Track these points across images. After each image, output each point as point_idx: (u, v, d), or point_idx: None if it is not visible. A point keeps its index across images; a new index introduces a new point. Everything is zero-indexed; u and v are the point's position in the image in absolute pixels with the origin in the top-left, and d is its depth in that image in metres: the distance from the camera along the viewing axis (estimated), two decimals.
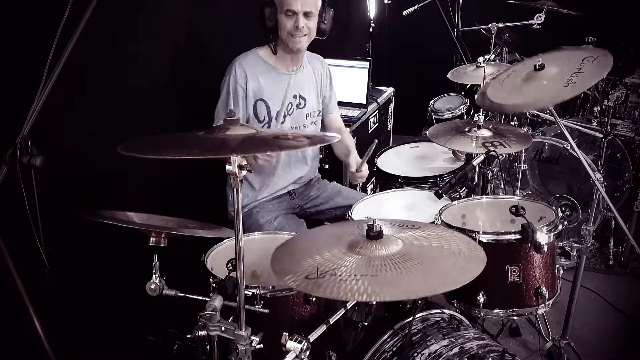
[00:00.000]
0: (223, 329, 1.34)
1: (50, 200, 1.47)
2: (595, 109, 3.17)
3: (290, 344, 1.30)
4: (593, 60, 1.90)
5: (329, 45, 2.42)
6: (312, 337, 1.38)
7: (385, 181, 2.54)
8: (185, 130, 1.45)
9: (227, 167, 1.20)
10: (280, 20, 2.15)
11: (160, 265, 1.46)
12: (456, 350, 1.58)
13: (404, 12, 3.71)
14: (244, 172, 1.21)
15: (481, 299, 1.76)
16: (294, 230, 2.17)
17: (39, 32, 1.56)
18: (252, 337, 1.33)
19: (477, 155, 2.14)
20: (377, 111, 3.36)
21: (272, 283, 1.57)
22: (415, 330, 1.67)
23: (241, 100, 2.19)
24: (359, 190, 2.62)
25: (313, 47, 2.39)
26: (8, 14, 1.60)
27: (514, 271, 1.76)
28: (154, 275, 1.45)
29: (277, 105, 2.26)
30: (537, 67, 1.98)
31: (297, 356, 1.30)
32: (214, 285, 1.60)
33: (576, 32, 3.19)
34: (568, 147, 2.64)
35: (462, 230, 1.80)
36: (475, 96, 2.17)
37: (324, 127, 2.55)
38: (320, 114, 2.46)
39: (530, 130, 3.19)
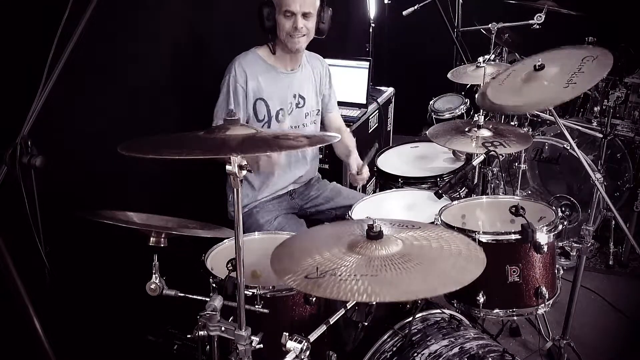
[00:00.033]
0: (223, 329, 1.34)
1: (50, 200, 1.47)
2: (595, 109, 3.17)
3: (290, 344, 1.30)
4: (593, 59, 1.90)
5: (329, 45, 2.43)
6: (312, 337, 1.38)
7: (385, 181, 2.54)
8: (185, 130, 1.45)
9: (227, 167, 1.20)
10: (278, 21, 2.15)
11: (160, 265, 1.46)
12: (456, 350, 1.58)
13: (404, 12, 3.71)
14: (244, 172, 1.21)
15: (481, 299, 1.76)
16: (294, 230, 2.17)
17: (39, 32, 1.56)
18: (252, 337, 1.33)
19: (477, 155, 2.13)
20: (377, 111, 3.36)
21: (272, 283, 1.57)
22: (415, 330, 1.67)
23: (241, 99, 2.20)
24: (359, 191, 2.62)
25: (313, 47, 2.39)
26: (8, 14, 1.60)
27: (514, 271, 1.76)
28: (154, 275, 1.45)
29: (276, 104, 2.26)
30: (537, 67, 1.98)
31: (297, 356, 1.30)
32: (214, 285, 1.60)
33: (576, 32, 3.19)
34: (568, 147, 2.64)
35: (462, 230, 1.80)
36: (476, 96, 2.17)
37: (323, 126, 2.55)
38: (320, 113, 2.46)
39: (530, 130, 3.19)
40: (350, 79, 3.21)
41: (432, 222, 1.88)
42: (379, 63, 3.88)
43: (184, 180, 2.37)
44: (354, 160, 2.39)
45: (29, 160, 1.36)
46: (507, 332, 2.53)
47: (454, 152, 2.58)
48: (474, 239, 1.73)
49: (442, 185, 2.09)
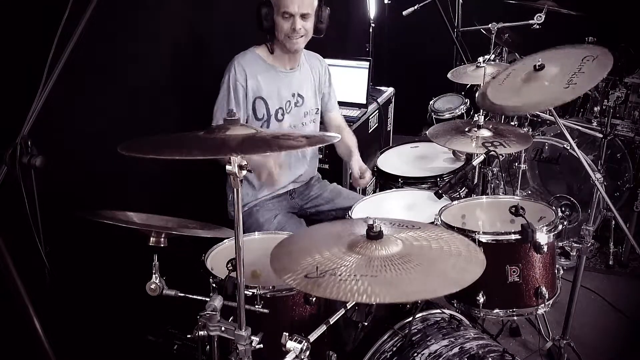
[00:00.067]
0: (223, 329, 1.34)
1: (50, 200, 1.47)
2: (595, 109, 3.17)
3: (290, 344, 1.30)
4: (593, 59, 1.90)
5: (329, 45, 2.43)
6: (312, 337, 1.38)
7: (385, 181, 2.54)
8: (185, 130, 1.45)
9: (227, 167, 1.20)
10: (277, 22, 2.15)
11: (160, 265, 1.45)
12: (456, 350, 1.58)
13: (404, 12, 3.70)
14: (244, 172, 1.21)
15: (481, 299, 1.76)
16: (293, 229, 2.18)
17: (39, 32, 1.56)
18: (252, 337, 1.33)
19: (477, 155, 2.13)
20: (377, 111, 3.36)
21: (272, 283, 1.57)
22: (415, 330, 1.67)
23: (241, 97, 2.20)
24: (359, 193, 2.63)
25: (313, 47, 2.39)
26: (8, 14, 1.60)
27: (514, 271, 1.76)
28: (154, 275, 1.45)
29: (275, 103, 2.26)
30: (537, 67, 1.98)
31: (297, 356, 1.30)
32: (214, 285, 1.60)
33: (576, 32, 3.19)
34: (568, 147, 2.64)
35: (462, 230, 1.80)
36: (475, 96, 2.17)
37: (324, 125, 2.55)
38: (319, 112, 2.47)
39: (530, 130, 3.18)
40: (350, 79, 3.21)
41: (432, 222, 1.88)
42: (379, 63, 3.87)
43: (184, 180, 2.37)
44: (356, 163, 2.39)
45: (29, 160, 1.36)
46: (507, 332, 2.53)
47: (454, 152, 2.57)
48: (473, 239, 1.73)
49: (442, 185, 2.09)
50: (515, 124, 3.29)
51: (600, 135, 2.91)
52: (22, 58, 1.63)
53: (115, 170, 1.96)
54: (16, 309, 1.33)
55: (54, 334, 1.37)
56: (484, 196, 2.19)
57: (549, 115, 2.90)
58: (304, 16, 2.14)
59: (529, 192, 3.28)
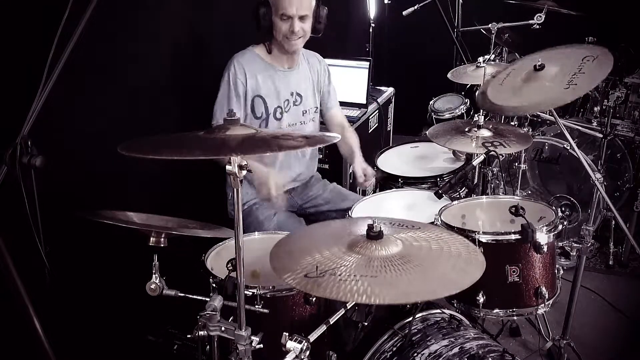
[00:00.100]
0: (223, 329, 1.34)
1: (50, 200, 1.47)
2: (595, 109, 3.17)
3: (290, 344, 1.30)
4: (593, 59, 1.90)
5: (329, 45, 2.43)
6: (312, 337, 1.38)
7: (385, 181, 2.54)
8: (185, 130, 1.45)
9: (227, 167, 1.20)
10: (275, 23, 2.15)
11: (160, 265, 1.45)
12: (456, 350, 1.58)
13: (404, 12, 3.70)
14: (244, 172, 1.21)
15: (481, 299, 1.76)
16: (293, 228, 2.18)
17: (39, 32, 1.56)
18: (252, 337, 1.33)
19: (477, 155, 2.13)
20: (377, 111, 3.36)
21: (272, 283, 1.57)
22: (415, 330, 1.67)
23: (242, 94, 2.21)
24: (359, 193, 2.62)
25: (313, 47, 2.39)
26: (8, 14, 1.60)
27: (514, 271, 1.76)
28: (154, 275, 1.45)
29: (274, 102, 2.27)
30: (537, 67, 1.97)
31: (297, 356, 1.30)
32: (214, 285, 1.60)
33: (576, 32, 3.19)
34: (568, 147, 2.64)
35: (462, 230, 1.80)
36: (475, 95, 2.17)
37: (325, 123, 2.55)
38: (318, 110, 2.47)
39: (530, 130, 3.18)
40: (350, 79, 3.21)
41: (432, 222, 1.88)
42: (379, 63, 3.88)
43: (184, 180, 2.37)
44: (359, 165, 2.39)
45: (29, 160, 1.36)
46: (507, 332, 2.53)
47: (454, 152, 2.57)
48: (473, 239, 1.73)
49: (442, 185, 2.09)
50: (515, 124, 3.29)
51: (600, 135, 2.91)
52: (22, 58, 1.63)
53: (115, 170, 1.96)
54: (16, 309, 1.33)
55: (54, 334, 1.37)
56: (484, 196, 2.19)
57: (549, 115, 2.90)
58: (302, 18, 2.14)
59: (529, 192, 3.28)
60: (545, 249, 1.74)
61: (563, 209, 2.84)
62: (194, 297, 1.48)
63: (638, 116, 3.15)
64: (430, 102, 3.62)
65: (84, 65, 1.69)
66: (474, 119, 2.25)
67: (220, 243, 1.81)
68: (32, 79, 1.43)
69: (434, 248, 1.41)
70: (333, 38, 2.36)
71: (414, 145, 2.84)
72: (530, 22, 3.24)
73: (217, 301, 1.36)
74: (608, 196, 2.06)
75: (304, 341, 1.30)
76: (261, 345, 1.35)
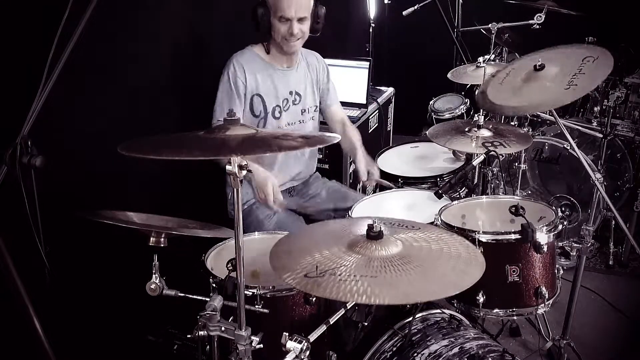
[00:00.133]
0: (223, 329, 1.34)
1: (50, 200, 1.47)
2: (595, 109, 3.16)
3: (290, 344, 1.30)
4: (593, 60, 1.90)
5: (329, 45, 2.43)
6: (312, 337, 1.38)
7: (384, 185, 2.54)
8: (185, 130, 1.45)
9: (227, 167, 1.20)
10: (273, 24, 2.15)
11: (160, 265, 1.45)
12: (456, 350, 1.58)
13: (404, 12, 3.70)
14: (244, 172, 1.21)
15: (481, 298, 1.76)
16: (293, 227, 2.18)
17: (39, 32, 1.56)
18: (252, 337, 1.33)
19: (477, 155, 2.13)
20: (377, 111, 3.36)
21: (272, 283, 1.57)
22: (415, 330, 1.67)
23: (242, 93, 2.21)
24: (359, 192, 2.62)
25: (313, 47, 2.39)
26: (8, 14, 1.60)
27: (514, 271, 1.76)
28: (154, 275, 1.45)
29: (273, 101, 2.27)
30: (537, 67, 1.97)
31: (297, 356, 1.30)
32: (214, 285, 1.60)
33: (576, 32, 3.19)
34: (568, 147, 2.64)
35: (462, 230, 1.80)
36: (475, 94, 2.17)
37: (326, 120, 2.55)
38: (318, 109, 2.47)
39: (530, 130, 3.18)
40: (350, 79, 3.21)
41: (432, 222, 1.88)
42: (379, 63, 3.87)
43: (184, 180, 2.37)
44: (361, 161, 2.36)
45: (29, 160, 1.36)
46: (507, 332, 2.53)
47: (454, 152, 2.57)
48: (473, 239, 1.73)
49: (442, 185, 2.09)
50: (515, 124, 3.29)
51: (600, 135, 2.91)
52: (22, 58, 1.63)
53: (115, 170, 1.96)
54: (16, 309, 1.33)
55: (54, 334, 1.37)
56: (484, 196, 2.19)
57: (549, 115, 2.90)
58: (300, 20, 2.14)
59: (529, 192, 3.28)
60: (545, 248, 1.74)
61: (563, 209, 2.84)
62: (194, 297, 1.48)
63: (638, 116, 3.15)
64: (430, 102, 3.62)
65: (84, 65, 1.69)
66: (474, 119, 2.25)
67: (220, 243, 1.81)
68: (32, 79, 1.43)
69: (434, 249, 1.41)
70: (333, 38, 2.36)
71: (414, 145, 2.84)
72: (530, 22, 3.23)
73: (217, 301, 1.36)
74: (608, 196, 2.06)
75: (304, 341, 1.30)
76: (261, 345, 1.35)
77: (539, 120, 3.26)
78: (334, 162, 2.93)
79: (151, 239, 1.52)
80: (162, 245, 1.52)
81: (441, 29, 3.89)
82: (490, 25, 3.40)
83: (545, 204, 2.00)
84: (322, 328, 1.44)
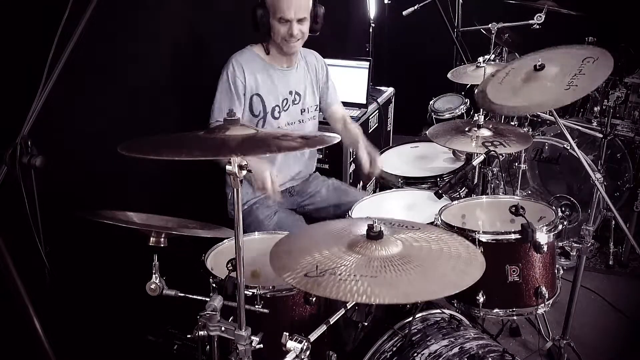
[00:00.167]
0: (223, 329, 1.34)
1: (50, 200, 1.47)
2: (595, 109, 3.16)
3: (290, 344, 1.30)
4: (593, 61, 1.90)
5: (328, 45, 2.43)
6: (312, 337, 1.38)
7: (386, 181, 2.54)
8: (185, 130, 1.45)
9: (227, 167, 1.20)
10: (273, 25, 2.15)
11: (160, 265, 1.45)
12: (456, 350, 1.58)
13: (404, 12, 3.70)
14: (244, 172, 1.21)
15: (481, 298, 1.76)
16: (293, 226, 2.18)
17: (39, 32, 1.56)
18: (252, 337, 1.33)
19: (477, 155, 2.13)
20: (377, 111, 3.36)
21: (272, 283, 1.57)
22: (415, 330, 1.67)
23: (241, 92, 2.21)
24: (359, 189, 2.62)
25: (313, 47, 2.39)
26: (8, 14, 1.60)
27: (514, 271, 1.76)
28: (154, 275, 1.45)
29: (272, 101, 2.27)
30: (537, 67, 1.97)
31: (297, 356, 1.30)
32: (214, 285, 1.60)
33: (576, 32, 3.19)
34: (568, 147, 2.64)
35: (462, 230, 1.80)
36: (475, 93, 2.17)
37: (326, 119, 2.55)
38: (318, 108, 2.47)
39: (530, 130, 3.19)
40: (350, 79, 3.21)
41: (432, 222, 1.88)
42: (379, 63, 3.87)
43: (184, 180, 2.37)
44: (363, 150, 2.31)
45: (29, 160, 1.36)
46: (507, 332, 2.53)
47: (454, 152, 2.57)
48: (473, 239, 1.73)
49: (442, 185, 2.09)
50: (515, 124, 3.29)
51: (600, 135, 2.91)
52: (22, 58, 1.63)
53: (115, 170, 1.96)
54: (16, 309, 1.33)
55: (54, 334, 1.37)
56: (484, 196, 2.19)
57: (549, 115, 2.90)
58: (300, 20, 2.14)
59: (529, 192, 3.28)
60: (545, 248, 1.74)
61: (563, 209, 2.84)
62: (194, 297, 1.48)
63: (638, 116, 3.15)
64: (430, 102, 3.62)
65: (84, 65, 1.69)
66: (474, 119, 2.25)
67: (220, 243, 1.81)
68: (32, 79, 1.43)
69: (434, 249, 1.41)
70: (333, 38, 2.36)
71: (414, 145, 2.84)
72: (530, 22, 3.23)
73: (217, 301, 1.36)
74: (608, 196, 2.06)
75: (304, 341, 1.30)
76: (261, 345, 1.35)
77: (539, 120, 3.26)
78: (334, 162, 2.93)
79: (151, 239, 1.52)
80: (162, 245, 1.52)
81: (441, 29, 3.89)
82: (490, 25, 3.40)
83: (545, 204, 2.00)
84: (322, 328, 1.44)
